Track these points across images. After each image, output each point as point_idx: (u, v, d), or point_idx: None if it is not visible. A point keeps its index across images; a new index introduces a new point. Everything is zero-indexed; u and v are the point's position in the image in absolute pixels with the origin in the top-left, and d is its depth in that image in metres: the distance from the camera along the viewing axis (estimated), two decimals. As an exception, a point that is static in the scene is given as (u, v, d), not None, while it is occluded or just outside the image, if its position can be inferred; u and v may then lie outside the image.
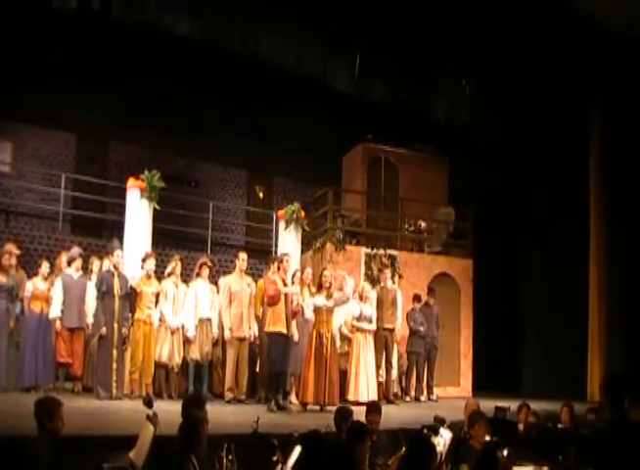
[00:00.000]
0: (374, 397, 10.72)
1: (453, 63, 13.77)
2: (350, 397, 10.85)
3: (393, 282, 12.71)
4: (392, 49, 13.03)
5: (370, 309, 11.47)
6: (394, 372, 11.97)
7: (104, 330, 9.56)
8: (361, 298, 11.49)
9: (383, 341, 11.62)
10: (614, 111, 14.01)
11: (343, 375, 10.91)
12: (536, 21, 12.59)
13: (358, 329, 11.30)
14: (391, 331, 11.78)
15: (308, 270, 11.03)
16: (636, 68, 13.22)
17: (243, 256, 10.67)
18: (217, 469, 5.31)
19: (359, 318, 11.34)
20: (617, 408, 5.30)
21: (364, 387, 10.96)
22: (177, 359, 10.29)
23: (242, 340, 10.32)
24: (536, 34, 12.82)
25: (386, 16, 12.39)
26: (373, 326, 11.48)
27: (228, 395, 10.14)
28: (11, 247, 10.22)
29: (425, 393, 12.43)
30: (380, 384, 11.49)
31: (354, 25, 12.50)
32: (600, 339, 13.60)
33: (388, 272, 12.25)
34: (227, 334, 10.24)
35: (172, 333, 10.28)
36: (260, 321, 10.25)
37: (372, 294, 11.80)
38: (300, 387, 9.90)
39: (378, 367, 11.45)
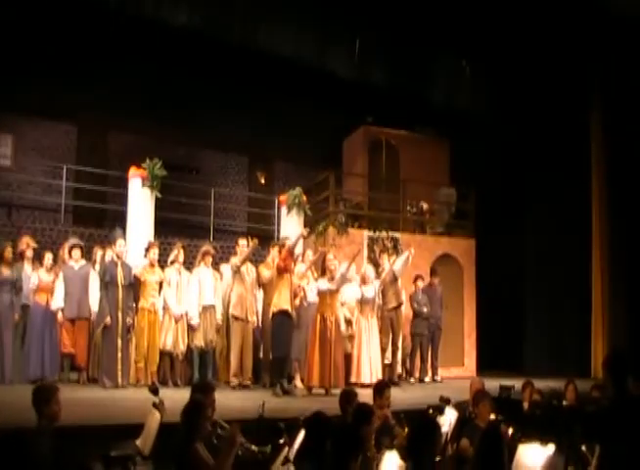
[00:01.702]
0: (378, 378, 10.70)
1: (453, 45, 13.72)
2: (353, 379, 10.90)
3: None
4: (392, 33, 13.00)
5: (372, 292, 11.45)
6: (399, 354, 11.99)
7: (108, 320, 9.62)
8: (363, 281, 11.46)
9: (388, 323, 11.61)
10: (615, 90, 13.95)
11: (348, 358, 10.96)
12: (538, 3, 12.53)
13: (361, 312, 11.32)
14: (397, 309, 11.72)
15: (308, 252, 11.07)
16: (637, 48, 13.17)
17: (242, 242, 10.65)
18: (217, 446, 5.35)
19: (361, 301, 11.35)
20: (620, 385, 5.30)
21: (367, 369, 11.02)
22: (182, 347, 10.34)
23: (246, 324, 10.32)
24: (536, 15, 12.76)
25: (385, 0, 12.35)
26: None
27: (233, 380, 10.18)
28: (28, 239, 10.30)
29: (429, 374, 12.48)
30: (385, 366, 11.52)
31: (353, 10, 12.46)
32: (603, 316, 13.64)
33: (385, 256, 12.21)
34: (234, 312, 10.28)
35: (176, 321, 10.34)
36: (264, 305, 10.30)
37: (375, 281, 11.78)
38: (305, 370, 9.98)
39: (384, 350, 11.48)
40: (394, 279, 11.78)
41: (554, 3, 12.54)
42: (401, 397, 8.87)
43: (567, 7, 12.60)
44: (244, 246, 10.56)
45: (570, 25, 13.03)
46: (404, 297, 12.08)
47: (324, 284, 10.14)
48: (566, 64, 13.78)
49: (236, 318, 10.27)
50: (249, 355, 10.37)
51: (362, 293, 11.36)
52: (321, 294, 10.14)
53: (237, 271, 10.35)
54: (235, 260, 10.49)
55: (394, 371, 11.76)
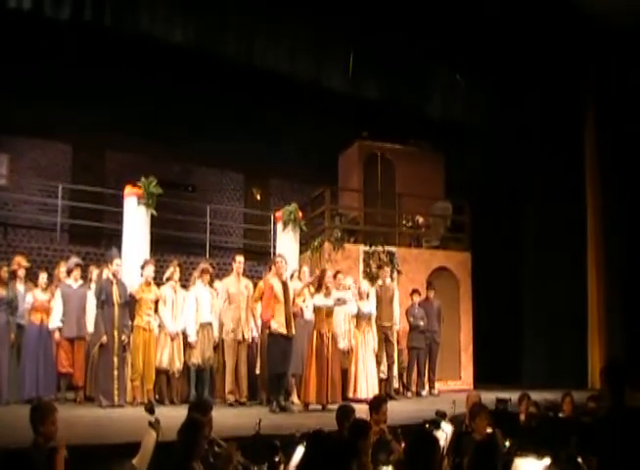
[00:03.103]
0: (374, 393, 10.71)
1: (447, 59, 13.76)
2: (351, 394, 10.91)
3: (392, 279, 12.74)
4: (385, 46, 13.04)
5: (368, 307, 11.52)
6: (395, 368, 12.01)
7: (104, 338, 9.61)
8: (360, 296, 11.52)
9: (382, 337, 11.68)
10: (607, 104, 14.03)
11: (345, 373, 10.97)
12: (530, 14, 12.61)
13: (357, 326, 11.37)
14: (390, 328, 11.85)
15: (305, 269, 11.09)
16: (629, 59, 13.26)
17: (239, 258, 10.70)
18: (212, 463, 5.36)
19: (357, 316, 11.38)
20: (618, 395, 5.32)
21: (364, 385, 11.05)
22: (178, 365, 10.33)
23: (240, 342, 10.36)
24: (529, 28, 12.84)
25: (378, 13, 12.40)
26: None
27: (229, 397, 10.18)
28: (20, 259, 10.31)
29: (426, 387, 12.48)
30: (381, 380, 11.54)
31: (346, 24, 12.51)
32: (599, 327, 13.65)
33: (387, 270, 12.31)
34: (230, 336, 10.28)
35: (172, 338, 10.33)
36: (261, 322, 10.28)
37: (371, 291, 11.85)
38: (302, 387, 9.97)
39: (379, 364, 11.50)
40: (391, 300, 11.92)
41: (547, 16, 12.63)
42: (398, 411, 8.86)
43: (559, 19, 12.70)
44: (240, 262, 10.59)
45: (563, 38, 13.11)
46: (397, 316, 12.12)
47: (320, 300, 10.15)
48: (559, 78, 13.84)
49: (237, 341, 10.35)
50: (243, 372, 10.36)
51: (359, 308, 11.38)
52: (317, 310, 10.15)
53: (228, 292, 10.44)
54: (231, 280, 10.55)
55: (391, 385, 11.77)
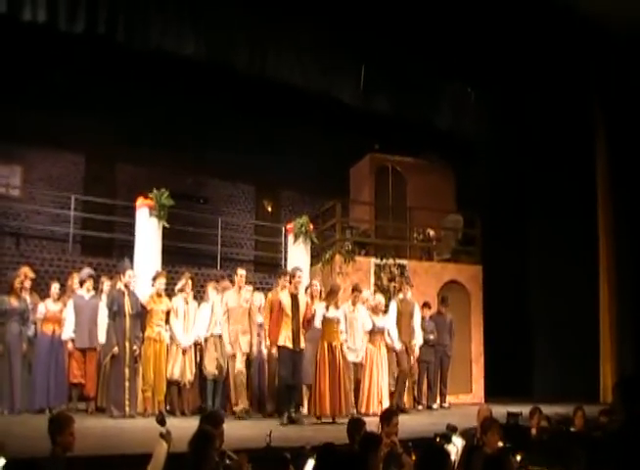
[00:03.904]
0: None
1: (458, 72, 13.80)
2: (363, 409, 10.84)
3: (403, 291, 12.71)
4: (396, 60, 13.08)
5: (382, 321, 11.43)
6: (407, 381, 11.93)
7: (116, 349, 9.64)
8: (374, 310, 11.44)
9: (403, 350, 11.68)
10: (619, 117, 13.99)
11: (357, 387, 10.99)
12: (540, 28, 12.63)
13: (371, 341, 11.25)
14: (409, 343, 11.79)
15: (315, 282, 11.05)
16: (637, 67, 13.27)
17: (241, 272, 10.71)
18: None
19: (372, 331, 11.27)
20: (631, 410, 5.29)
21: (376, 400, 10.98)
22: (189, 376, 10.35)
23: (235, 356, 10.27)
24: (540, 42, 12.86)
25: (388, 27, 12.45)
26: (395, 342, 11.52)
27: (236, 408, 10.18)
28: (26, 270, 10.34)
29: (438, 401, 12.43)
30: (391, 393, 11.48)
31: (358, 38, 12.56)
32: (611, 340, 13.55)
33: (407, 287, 12.21)
34: (228, 349, 10.27)
35: (184, 351, 10.35)
36: (268, 335, 10.25)
37: (392, 305, 11.80)
38: (316, 399, 9.87)
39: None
40: (411, 315, 11.86)
41: (558, 30, 12.65)
42: (409, 424, 8.84)
43: (570, 33, 12.72)
44: (242, 276, 10.60)
45: (574, 52, 13.13)
46: (418, 331, 12.00)
47: (332, 312, 10.15)
48: (571, 92, 13.84)
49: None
50: (243, 384, 10.25)
51: (373, 323, 11.28)
52: (327, 321, 10.13)
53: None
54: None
55: (402, 398, 11.73)
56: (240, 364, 10.21)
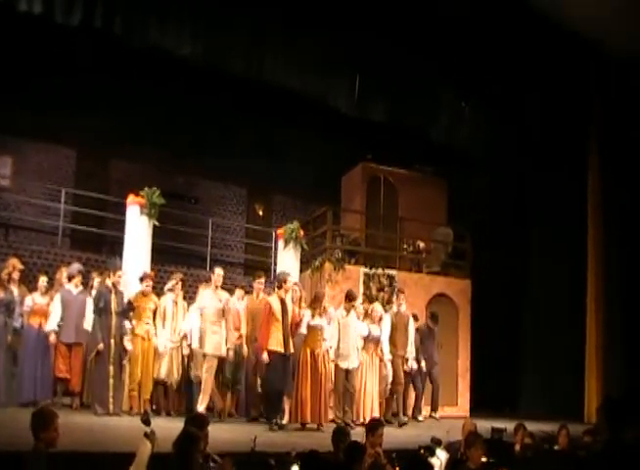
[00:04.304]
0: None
1: (453, 84, 13.82)
2: (354, 417, 10.75)
3: (391, 302, 12.71)
4: (392, 70, 13.09)
5: (378, 330, 11.37)
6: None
7: (101, 346, 9.56)
8: (370, 318, 11.35)
9: (399, 362, 11.63)
10: (611, 133, 14.11)
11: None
12: (536, 44, 12.71)
13: (365, 349, 11.15)
14: (403, 357, 11.71)
15: (295, 287, 10.91)
16: (632, 86, 13.37)
17: (219, 271, 10.44)
18: None
19: (367, 339, 11.17)
20: (615, 431, 5.32)
21: (368, 407, 10.97)
22: (176, 376, 10.27)
23: (209, 357, 9.97)
24: (536, 57, 12.93)
25: (386, 37, 12.47)
26: (385, 355, 11.43)
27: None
28: (14, 261, 10.27)
29: (423, 412, 12.31)
30: (380, 404, 11.44)
31: (355, 46, 12.57)
32: (597, 360, 13.62)
33: (402, 297, 12.13)
34: (199, 350, 10.06)
35: (171, 350, 10.28)
36: (257, 339, 10.19)
37: (386, 318, 11.67)
38: (298, 406, 9.86)
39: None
40: (406, 327, 11.80)
41: (554, 46, 12.74)
42: (394, 435, 8.84)
43: (565, 49, 12.83)
44: (219, 275, 10.36)
45: (568, 68, 13.23)
46: (412, 344, 11.92)
47: (316, 320, 10.16)
48: (564, 108, 13.91)
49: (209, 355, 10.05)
50: (212, 387, 10.03)
51: (369, 330, 11.21)
52: (312, 329, 10.12)
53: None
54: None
55: (390, 409, 11.68)
56: (205, 364, 9.95)
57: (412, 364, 11.85)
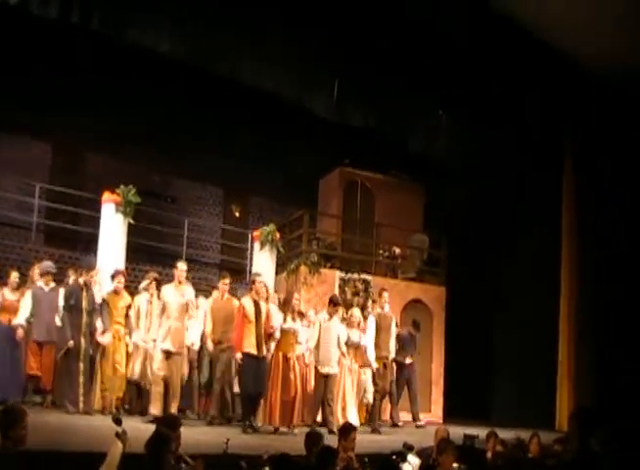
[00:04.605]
0: (355, 422, 10.38)
1: (431, 94, 13.88)
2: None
3: (366, 307, 12.69)
4: (372, 77, 13.12)
5: (358, 335, 11.19)
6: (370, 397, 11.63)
7: (71, 343, 9.44)
8: (348, 324, 11.14)
9: (381, 365, 11.37)
10: (586, 146, 14.25)
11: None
12: (515, 58, 12.82)
13: (344, 355, 10.83)
14: (387, 358, 11.50)
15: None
16: (606, 100, 13.56)
17: (182, 266, 9.91)
18: None
19: (346, 344, 10.89)
20: (585, 440, 5.36)
21: (349, 412, 10.83)
22: (150, 376, 10.10)
23: (170, 354, 9.46)
24: (514, 71, 13.03)
25: (366, 45, 12.49)
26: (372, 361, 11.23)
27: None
28: None
29: (401, 418, 12.19)
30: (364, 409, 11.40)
31: (335, 52, 12.58)
32: (569, 369, 13.72)
33: (385, 296, 11.86)
34: (161, 347, 9.50)
35: (144, 350, 10.11)
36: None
37: (370, 320, 11.53)
38: (267, 409, 9.79)
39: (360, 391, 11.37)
40: (389, 328, 11.58)
41: (532, 61, 12.84)
42: (368, 440, 8.85)
43: (543, 64, 12.92)
44: (182, 270, 9.82)
45: (546, 82, 13.32)
46: (393, 345, 11.71)
47: (289, 323, 10.09)
48: (541, 119, 14.01)
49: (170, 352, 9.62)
50: (176, 385, 9.59)
51: (348, 336, 10.98)
52: (285, 332, 10.03)
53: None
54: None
55: (375, 414, 11.39)
56: (159, 363, 9.40)
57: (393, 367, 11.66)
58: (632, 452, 5.07)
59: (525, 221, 15.28)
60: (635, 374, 12.90)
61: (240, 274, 13.22)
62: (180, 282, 9.82)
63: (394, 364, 11.95)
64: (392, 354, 11.67)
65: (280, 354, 9.92)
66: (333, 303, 10.94)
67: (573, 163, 14.47)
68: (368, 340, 11.33)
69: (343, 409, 10.87)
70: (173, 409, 9.41)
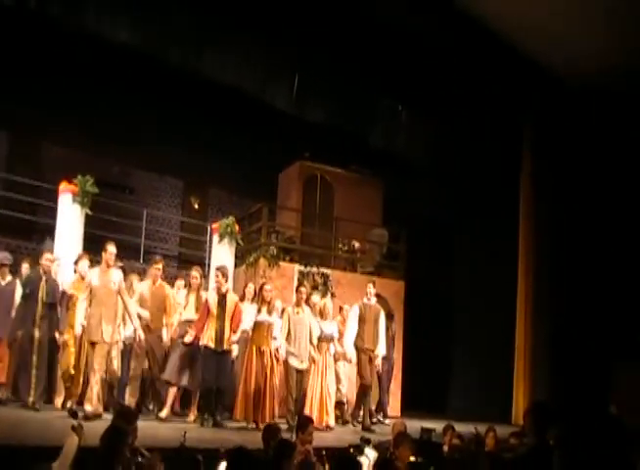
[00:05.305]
0: (330, 419, 10.43)
1: (392, 90, 13.95)
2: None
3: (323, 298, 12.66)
4: (332, 72, 13.16)
5: (331, 328, 10.81)
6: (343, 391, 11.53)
7: (19, 334, 9.27)
8: (321, 315, 10.79)
9: (366, 359, 10.98)
10: (545, 144, 14.44)
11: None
12: (475, 55, 12.96)
13: (317, 348, 10.39)
14: (372, 352, 11.04)
15: (250, 285, 10.73)
16: (563, 98, 13.78)
17: (111, 248, 9.19)
18: None
19: (320, 338, 10.47)
20: (541, 434, 5.42)
21: (315, 409, 10.41)
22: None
23: (97, 343, 8.78)
24: (474, 68, 13.17)
25: (327, 40, 12.51)
26: (345, 347, 10.95)
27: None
28: None
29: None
30: (340, 404, 11.30)
31: (295, 46, 12.59)
32: (525, 364, 13.89)
33: (371, 286, 11.52)
34: (88, 336, 8.90)
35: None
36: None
37: (354, 309, 11.19)
38: (241, 404, 9.62)
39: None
40: (376, 321, 11.18)
41: (493, 59, 13.02)
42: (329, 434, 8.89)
43: (504, 62, 13.12)
44: (111, 253, 9.16)
45: (506, 81, 13.53)
46: (382, 340, 11.23)
47: (263, 315, 9.92)
48: (501, 117, 14.20)
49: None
50: (92, 378, 8.77)
51: (321, 328, 10.54)
52: (258, 325, 9.90)
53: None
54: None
55: (358, 410, 11.29)
56: (99, 357, 8.74)
57: (378, 362, 11.15)
58: (582, 447, 5.15)
59: (483, 214, 15.43)
60: (590, 369, 13.14)
61: (199, 267, 13.02)
62: (109, 266, 9.11)
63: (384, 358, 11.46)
64: (382, 350, 11.18)
65: (254, 348, 9.79)
66: (298, 288, 10.69)
67: (532, 158, 14.65)
68: (348, 331, 11.04)
69: (320, 410, 10.43)
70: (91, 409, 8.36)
